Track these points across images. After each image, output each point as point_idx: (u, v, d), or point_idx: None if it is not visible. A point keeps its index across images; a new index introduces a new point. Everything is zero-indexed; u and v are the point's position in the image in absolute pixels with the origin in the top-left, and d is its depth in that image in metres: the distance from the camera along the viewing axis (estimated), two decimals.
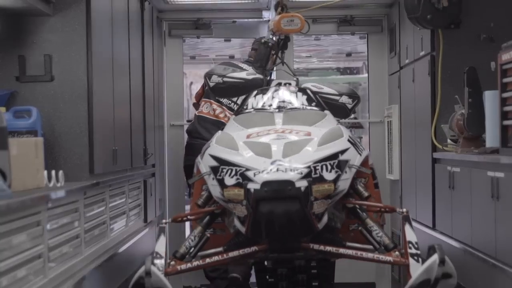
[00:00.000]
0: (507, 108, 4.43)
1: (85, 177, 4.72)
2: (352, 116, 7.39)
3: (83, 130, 4.74)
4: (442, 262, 3.75)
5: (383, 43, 7.77)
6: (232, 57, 10.41)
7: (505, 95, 4.45)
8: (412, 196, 6.71)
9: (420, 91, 6.37)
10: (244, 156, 3.96)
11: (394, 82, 7.43)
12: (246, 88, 4.74)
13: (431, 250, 3.85)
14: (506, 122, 4.43)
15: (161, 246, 4.10)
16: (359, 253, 4.13)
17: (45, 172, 4.17)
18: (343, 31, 7.81)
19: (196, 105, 6.84)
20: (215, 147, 4.13)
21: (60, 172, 4.34)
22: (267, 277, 4.50)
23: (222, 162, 3.96)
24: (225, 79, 4.78)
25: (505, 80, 4.45)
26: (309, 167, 3.84)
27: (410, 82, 6.67)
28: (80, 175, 4.71)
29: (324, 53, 10.28)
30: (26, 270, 3.55)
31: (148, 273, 3.76)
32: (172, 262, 4.11)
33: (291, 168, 3.79)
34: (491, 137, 4.84)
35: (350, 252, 4.12)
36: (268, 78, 4.91)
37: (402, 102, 7.10)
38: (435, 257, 3.77)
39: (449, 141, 5.77)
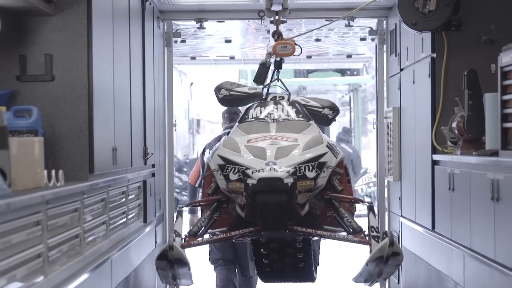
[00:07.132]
0: (507, 111, 4.43)
1: (85, 177, 4.73)
2: None
3: (83, 130, 4.75)
4: (391, 243, 4.70)
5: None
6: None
7: (505, 97, 4.45)
8: (411, 197, 6.72)
9: (420, 93, 6.37)
10: (244, 158, 4.93)
11: (394, 84, 7.43)
12: (248, 99, 5.83)
13: (384, 234, 4.81)
14: (506, 125, 4.44)
15: (178, 225, 5.09)
16: (332, 234, 5.16)
17: (45, 172, 4.17)
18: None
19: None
20: (223, 149, 5.08)
21: (60, 172, 4.35)
22: (262, 250, 5.71)
23: (227, 161, 4.94)
24: (231, 92, 5.85)
25: (506, 82, 4.46)
26: (295, 167, 4.81)
27: (410, 83, 6.67)
28: (80, 175, 4.72)
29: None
30: (25, 270, 3.55)
31: (171, 247, 4.73)
32: (187, 238, 5.06)
33: (281, 168, 4.77)
34: (491, 139, 4.84)
35: (326, 233, 5.16)
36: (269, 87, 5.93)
37: (402, 103, 7.11)
38: (386, 240, 4.73)
39: (449, 143, 5.77)
